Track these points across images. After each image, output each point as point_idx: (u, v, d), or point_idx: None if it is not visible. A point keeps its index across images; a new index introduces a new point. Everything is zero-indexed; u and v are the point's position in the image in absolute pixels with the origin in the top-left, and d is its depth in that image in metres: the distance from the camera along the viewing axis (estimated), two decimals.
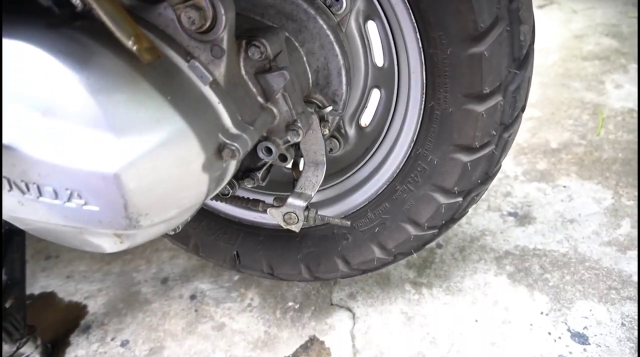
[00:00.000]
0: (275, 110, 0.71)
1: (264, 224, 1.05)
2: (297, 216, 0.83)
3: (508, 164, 1.48)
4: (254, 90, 0.68)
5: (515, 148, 1.54)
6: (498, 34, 0.67)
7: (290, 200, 0.83)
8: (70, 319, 1.18)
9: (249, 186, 0.84)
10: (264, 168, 0.84)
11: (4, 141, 0.52)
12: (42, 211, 0.57)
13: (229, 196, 0.87)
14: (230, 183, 0.83)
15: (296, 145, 0.81)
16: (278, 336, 1.07)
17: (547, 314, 1.02)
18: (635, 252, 1.12)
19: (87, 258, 1.37)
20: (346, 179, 0.98)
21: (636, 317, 0.98)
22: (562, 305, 1.03)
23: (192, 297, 1.20)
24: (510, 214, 1.30)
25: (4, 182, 0.56)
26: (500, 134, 0.77)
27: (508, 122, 0.76)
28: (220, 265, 1.12)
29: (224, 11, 0.57)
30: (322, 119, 0.82)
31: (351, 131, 0.96)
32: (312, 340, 1.05)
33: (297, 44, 0.78)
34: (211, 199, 0.90)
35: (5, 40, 0.51)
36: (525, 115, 0.85)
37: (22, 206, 0.58)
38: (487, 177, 0.83)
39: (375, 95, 0.91)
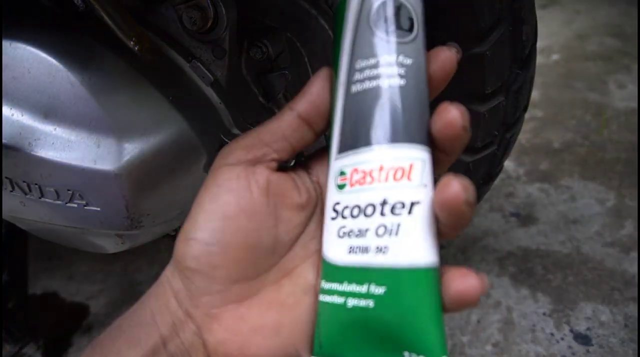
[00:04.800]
0: (277, 111, 0.71)
1: None
2: None
3: (510, 164, 1.48)
4: (256, 90, 0.68)
5: (518, 148, 1.54)
6: (500, 34, 0.66)
7: None
8: (72, 320, 1.19)
9: None
10: None
11: (5, 142, 0.52)
12: (44, 211, 0.57)
13: None
14: None
15: None
16: None
17: (549, 315, 1.01)
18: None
19: (89, 259, 1.37)
20: None
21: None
22: (565, 306, 1.03)
23: None
24: (512, 214, 1.30)
25: (7, 183, 0.56)
26: (503, 134, 0.77)
27: (510, 122, 0.76)
28: None
29: (225, 11, 0.57)
30: None
31: None
32: None
33: (299, 45, 0.78)
34: None
35: (6, 41, 0.51)
36: (527, 115, 0.84)
37: (24, 207, 0.58)
38: (489, 177, 0.83)
39: None
